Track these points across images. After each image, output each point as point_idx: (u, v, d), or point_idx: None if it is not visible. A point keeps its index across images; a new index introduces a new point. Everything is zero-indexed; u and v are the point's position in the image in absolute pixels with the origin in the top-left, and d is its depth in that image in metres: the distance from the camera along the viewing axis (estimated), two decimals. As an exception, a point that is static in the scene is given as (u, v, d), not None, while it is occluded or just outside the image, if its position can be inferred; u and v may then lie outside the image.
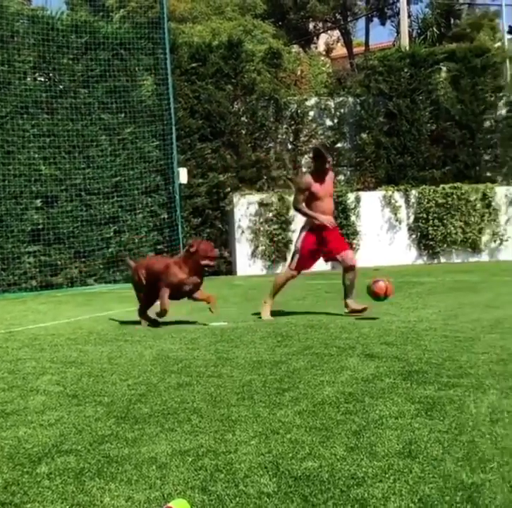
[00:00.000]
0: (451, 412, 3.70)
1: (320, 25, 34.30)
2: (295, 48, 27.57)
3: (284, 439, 3.39)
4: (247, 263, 17.03)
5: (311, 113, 18.51)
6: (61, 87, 15.00)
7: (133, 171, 15.57)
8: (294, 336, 6.49)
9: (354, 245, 17.51)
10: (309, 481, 2.83)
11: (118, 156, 15.44)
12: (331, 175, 8.14)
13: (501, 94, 19.00)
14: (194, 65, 16.97)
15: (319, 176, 8.02)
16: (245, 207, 17.01)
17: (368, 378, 4.59)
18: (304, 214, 8.19)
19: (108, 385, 4.74)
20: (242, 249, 17.04)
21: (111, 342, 6.63)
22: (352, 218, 17.67)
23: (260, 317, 7.96)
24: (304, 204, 8.09)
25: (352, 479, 2.83)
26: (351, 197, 17.64)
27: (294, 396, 4.21)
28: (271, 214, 17.08)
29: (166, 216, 15.96)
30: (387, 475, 2.85)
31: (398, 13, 26.32)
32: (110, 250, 15.19)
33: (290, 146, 18.37)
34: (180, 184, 16.02)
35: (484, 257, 18.02)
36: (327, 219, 8.07)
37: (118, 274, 15.19)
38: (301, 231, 8.32)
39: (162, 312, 7.83)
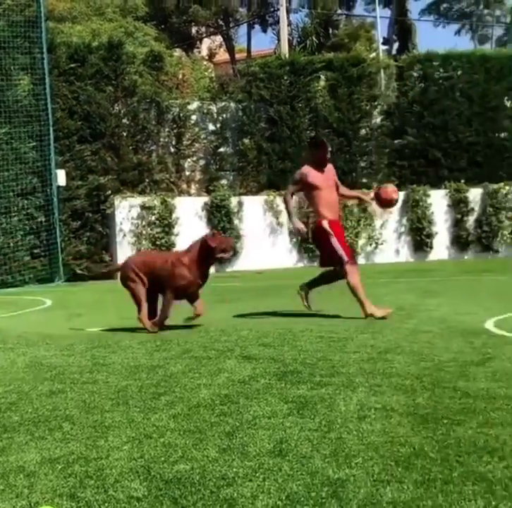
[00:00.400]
0: (322, 410, 3.80)
1: (203, 29, 34.41)
2: (178, 52, 27.51)
3: (157, 443, 3.38)
4: (129, 267, 16.82)
5: (193, 117, 18.53)
6: None
7: (8, 172, 15.06)
8: (173, 340, 6.47)
9: (237, 250, 17.66)
10: (180, 484, 2.84)
11: (-7, 157, 14.91)
12: (329, 167, 7.85)
13: (375, 103, 19.68)
14: (73, 65, 16.61)
15: (318, 166, 7.73)
16: (126, 210, 16.81)
17: (244, 380, 4.65)
18: (286, 206, 8.10)
19: (-23, 394, 4.57)
20: (124, 253, 16.78)
21: (-18, 350, 6.39)
22: (235, 222, 17.81)
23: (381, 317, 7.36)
24: (292, 196, 8.05)
25: (223, 479, 2.86)
26: (234, 201, 17.78)
27: (169, 400, 4.21)
28: (153, 218, 16.96)
29: (43, 219, 15.53)
30: (257, 475, 2.90)
31: (278, 21, 26.77)
32: (-16, 254, 14.63)
33: (172, 149, 18.32)
34: (59, 186, 15.66)
35: (361, 260, 18.58)
36: (301, 228, 7.91)
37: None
38: (320, 223, 7.75)
39: (162, 320, 7.22)
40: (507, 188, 18.85)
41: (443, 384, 4.24)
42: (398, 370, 4.69)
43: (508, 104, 19.99)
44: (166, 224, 17.02)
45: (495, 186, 18.88)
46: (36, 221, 15.46)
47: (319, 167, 7.73)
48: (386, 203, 7.84)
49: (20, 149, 15.27)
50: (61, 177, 15.68)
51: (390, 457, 3.02)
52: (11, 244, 15.00)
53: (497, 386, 4.09)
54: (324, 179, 7.71)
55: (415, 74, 19.89)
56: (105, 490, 2.81)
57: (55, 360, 5.71)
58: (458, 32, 44.03)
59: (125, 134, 17.27)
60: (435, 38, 70.40)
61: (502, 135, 19.78)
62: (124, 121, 17.33)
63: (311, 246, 18.11)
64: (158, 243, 16.92)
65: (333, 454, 3.10)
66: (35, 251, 15.39)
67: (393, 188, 7.83)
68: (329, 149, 7.79)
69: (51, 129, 15.56)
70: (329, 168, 7.84)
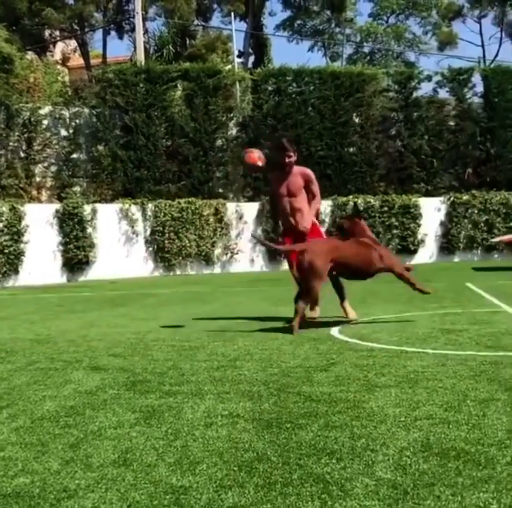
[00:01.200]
0: (169, 419, 3.81)
1: (57, 33, 33.53)
2: (30, 55, 26.65)
3: (-3, 457, 3.26)
4: (-25, 276, 16.10)
5: (45, 122, 18.07)
6: None
7: None
8: (19, 352, 6.26)
9: (90, 258, 17.33)
10: (18, 498, 2.75)
11: None
12: (299, 171, 7.42)
13: (231, 114, 20.00)
14: None
15: (280, 171, 7.40)
16: (-29, 217, 16.08)
17: (92, 390, 4.57)
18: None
19: None
20: (-31, 261, 16.08)
21: None
22: (89, 230, 17.50)
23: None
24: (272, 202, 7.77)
25: (64, 492, 2.80)
26: (87, 209, 17.47)
27: (12, 412, 4.07)
28: (1, 225, 16.34)
29: None
30: (99, 485, 2.86)
31: (134, 29, 26.57)
32: None
33: (22, 154, 17.76)
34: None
35: (217, 269, 18.79)
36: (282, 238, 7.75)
37: None
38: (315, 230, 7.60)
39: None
40: (355, 200, 19.68)
41: (288, 389, 4.36)
42: (247, 377, 4.78)
43: (356, 119, 20.88)
44: (14, 231, 16.46)
45: (344, 199, 19.66)
46: None
47: (281, 172, 7.44)
48: (250, 168, 7.88)
49: None
50: None
51: (233, 462, 3.07)
52: None
53: (338, 391, 4.26)
54: (282, 186, 7.41)
55: (270, 88, 20.41)
56: None
57: None
58: (311, 49, 45.63)
59: (-29, 137, 16.55)
60: (290, 53, 72.49)
61: (351, 149, 20.64)
62: (-30, 123, 16.60)
63: (167, 256, 18.13)
64: (6, 251, 16.31)
65: (178, 462, 3.11)
66: None
67: (258, 155, 7.41)
68: (289, 152, 7.23)
69: None
70: (297, 175, 7.40)
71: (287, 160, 7.29)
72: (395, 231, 19.92)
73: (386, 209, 19.81)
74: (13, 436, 3.60)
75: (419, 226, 20.12)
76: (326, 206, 19.56)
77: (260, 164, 7.38)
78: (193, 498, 2.69)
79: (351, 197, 19.75)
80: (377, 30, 44.18)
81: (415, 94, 21.56)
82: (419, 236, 20.14)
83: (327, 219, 19.57)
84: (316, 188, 7.54)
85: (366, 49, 44.79)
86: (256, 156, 7.37)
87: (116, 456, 3.21)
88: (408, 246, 19.74)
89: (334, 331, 6.78)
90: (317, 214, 7.81)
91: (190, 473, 2.97)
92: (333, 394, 4.17)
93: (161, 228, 18.15)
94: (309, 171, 7.55)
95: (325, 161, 20.20)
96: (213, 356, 5.66)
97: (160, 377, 4.92)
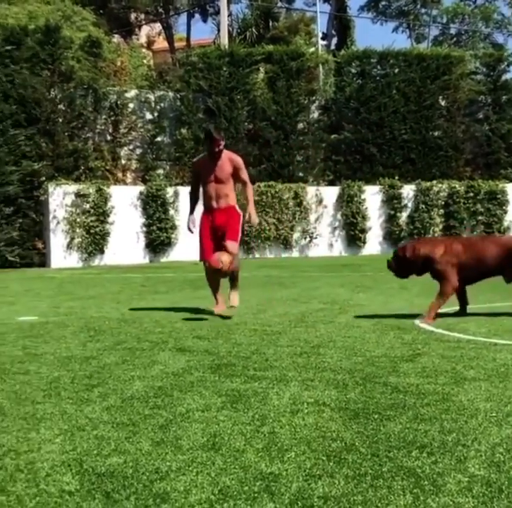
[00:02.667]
0: (255, 404, 3.83)
1: (142, 16, 33.99)
2: (116, 38, 27.12)
3: (90, 435, 3.36)
4: (63, 255, 16.58)
5: (131, 106, 18.36)
6: None
7: None
8: (107, 331, 6.42)
9: (172, 240, 17.60)
10: (112, 477, 2.83)
11: None
12: (228, 157, 7.36)
13: (313, 97, 19.85)
14: (8, 48, 16.24)
15: (210, 158, 7.36)
16: (61, 197, 16.54)
17: (178, 372, 4.65)
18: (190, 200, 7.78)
19: None
20: (58, 240, 16.56)
21: None
22: (171, 212, 17.74)
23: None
24: (194, 188, 7.67)
25: (156, 473, 2.86)
26: (170, 191, 17.70)
27: (103, 391, 4.18)
28: (88, 206, 16.74)
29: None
30: (190, 468, 2.91)
31: (219, 11, 26.66)
32: None
33: (109, 137, 18.11)
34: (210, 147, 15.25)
35: (295, 253, 18.77)
36: (191, 220, 7.64)
37: None
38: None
39: None
40: (439, 185, 19.29)
41: (374, 379, 4.33)
42: (331, 365, 4.77)
43: (442, 103, 20.44)
44: (100, 212, 16.84)
45: (427, 184, 19.32)
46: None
47: (210, 159, 7.38)
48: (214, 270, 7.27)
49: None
50: (-7, 162, 15.33)
51: (322, 451, 3.07)
52: None
53: (426, 382, 4.20)
54: (211, 172, 7.34)
55: (353, 70, 20.17)
56: (36, 483, 2.78)
57: (-16, 350, 5.59)
58: (395, 30, 44.76)
59: (60, 120, 16.99)
60: (373, 35, 71.44)
61: (436, 133, 20.24)
62: (60, 106, 17.04)
63: (246, 239, 18.22)
64: (92, 231, 16.72)
65: (266, 449, 3.13)
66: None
67: (225, 258, 7.15)
68: (219, 141, 7.21)
69: (-17, 112, 15.18)
70: (226, 161, 7.36)
71: (216, 149, 7.27)
72: (480, 218, 19.47)
73: (471, 194, 19.36)
74: (104, 415, 3.69)
75: (505, 212, 19.60)
76: (409, 190, 19.27)
77: (226, 267, 7.16)
78: (283, 486, 2.70)
79: (435, 181, 19.38)
80: (464, 11, 42.99)
81: (504, 77, 20.92)
82: (506, 223, 19.62)
83: (410, 204, 19.28)
84: (245, 175, 7.55)
85: (452, 31, 43.66)
86: (218, 258, 7.17)
87: (204, 440, 3.26)
88: (494, 233, 19.24)
89: (418, 320, 6.68)
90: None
91: (279, 460, 2.99)
92: (421, 386, 4.12)
93: (241, 212, 18.23)
94: (238, 158, 7.52)
95: (409, 145, 19.87)
96: (295, 342, 5.66)
97: (244, 361, 4.96)
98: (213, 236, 7.41)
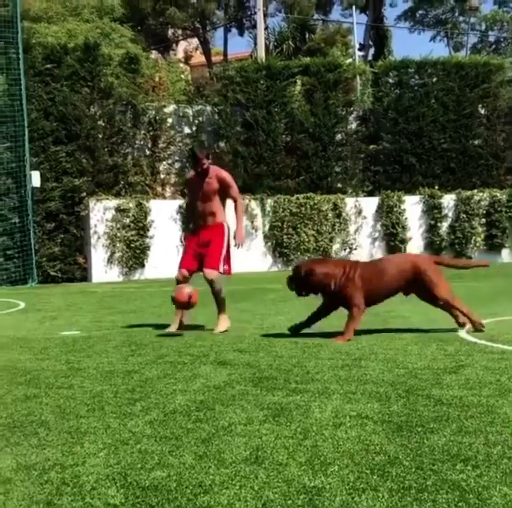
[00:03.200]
0: (297, 417, 3.83)
1: (179, 32, 34.36)
2: (154, 54, 27.45)
3: (134, 449, 3.39)
4: (104, 269, 16.76)
5: (169, 120, 18.54)
6: None
7: (-18, 173, 14.96)
8: (148, 345, 6.47)
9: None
10: (157, 491, 2.85)
11: (-34, 157, 14.80)
12: (215, 174, 7.44)
13: (351, 108, 19.81)
14: (48, 66, 16.55)
15: (197, 176, 7.51)
16: (101, 213, 16.74)
17: (220, 385, 4.66)
18: None
19: (-49, 399, 4.53)
20: (98, 255, 16.75)
21: (-46, 353, 6.34)
22: (210, 225, 17.79)
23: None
24: (188, 203, 7.87)
25: (200, 487, 2.88)
26: (208, 204, 17.77)
27: (145, 405, 4.21)
28: (128, 220, 16.91)
29: (17, 221, 15.45)
30: (233, 482, 2.91)
31: (255, 25, 26.83)
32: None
33: (148, 152, 18.30)
34: (33, 187, 15.58)
35: (336, 264, 18.67)
36: (183, 235, 7.89)
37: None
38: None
39: None
40: (480, 194, 19.07)
41: (417, 391, 4.29)
42: (373, 377, 4.74)
43: (482, 111, 20.24)
44: (140, 226, 16.99)
45: (468, 193, 19.12)
46: (10, 223, 15.37)
47: (197, 177, 7.50)
48: (179, 304, 7.31)
49: (-6, 150, 15.18)
50: (35, 178, 15.60)
51: (365, 465, 3.05)
52: (-16, 245, 14.90)
53: (470, 394, 4.15)
54: (196, 189, 7.47)
55: (391, 80, 20.08)
56: (82, 497, 2.81)
57: (29, 364, 5.68)
58: (433, 39, 44.49)
59: (100, 136, 17.21)
60: (411, 44, 71.08)
61: (476, 142, 20.03)
62: (100, 122, 17.27)
63: (286, 251, 18.23)
64: (132, 245, 16.89)
65: (309, 462, 3.13)
66: (8, 252, 15.29)
67: (188, 291, 7.22)
68: (202, 160, 7.34)
69: (26, 130, 15.48)
70: (212, 178, 7.44)
71: (199, 169, 7.41)
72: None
73: (513, 203, 19.11)
74: (147, 429, 3.72)
75: (548, 220, 19.30)
76: (449, 200, 19.10)
77: (192, 301, 7.20)
78: (327, 499, 2.69)
79: (476, 190, 19.18)
80: (503, 18, 42.54)
81: (545, 84, 20.65)
82: (549, 231, 19.32)
83: (451, 214, 19.10)
84: (234, 191, 7.58)
85: (491, 38, 43.23)
86: (186, 292, 7.19)
87: (247, 453, 3.26)
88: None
89: (461, 331, 6.60)
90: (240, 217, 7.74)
91: (322, 473, 2.98)
92: (465, 398, 4.07)
93: (280, 224, 18.25)
94: (224, 175, 7.56)
95: (448, 154, 19.69)
96: (337, 354, 5.64)
97: (286, 374, 4.95)
98: (195, 253, 7.56)
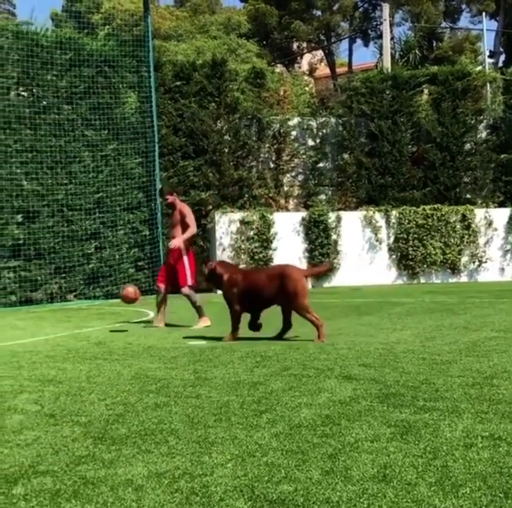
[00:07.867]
0: (426, 436, 3.73)
1: (304, 45, 34.60)
2: (279, 67, 27.77)
3: (260, 462, 3.40)
4: (228, 281, 17.05)
5: (293, 133, 18.68)
6: (44, 103, 15.04)
7: (115, 187, 15.60)
8: (273, 357, 6.50)
9: (335, 265, 17.59)
10: (284, 505, 2.85)
11: (101, 172, 15.48)
12: (179, 208, 9.41)
13: (481, 117, 19.25)
14: (178, 83, 17.09)
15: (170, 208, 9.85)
16: (226, 225, 17.08)
17: (345, 400, 4.61)
18: None
19: (86, 405, 4.73)
20: (223, 267, 17.07)
21: (89, 360, 6.62)
22: (334, 237, 17.78)
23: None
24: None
25: (327, 503, 2.85)
26: (332, 216, 17.76)
27: (271, 418, 4.23)
28: (252, 233, 17.15)
29: (147, 233, 16.00)
30: (361, 500, 2.87)
31: (381, 35, 26.60)
32: (90, 266, 15.18)
33: (272, 165, 18.51)
34: (162, 201, 16.09)
35: (464, 278, 18.18)
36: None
37: (98, 290, 15.16)
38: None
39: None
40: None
41: (554, 413, 4.08)
42: (506, 397, 4.55)
43: None
44: (264, 238, 17.19)
45: None
46: (140, 235, 15.93)
47: (170, 209, 9.89)
48: (129, 300, 9.77)
49: (127, 165, 15.80)
50: (164, 192, 16.11)
51: (499, 488, 2.93)
52: (117, 256, 15.51)
53: None
54: (170, 217, 9.92)
55: (524, 87, 19.37)
56: (211, 507, 2.85)
57: (159, 372, 5.85)
58: None
59: (226, 150, 17.58)
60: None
61: None
62: (226, 137, 17.64)
63: (411, 263, 17.89)
64: (256, 257, 17.09)
65: (439, 483, 3.04)
66: (139, 263, 15.84)
67: (133, 290, 9.75)
68: (166, 196, 9.62)
69: (156, 145, 16.02)
70: (177, 210, 9.47)
71: (164, 203, 10.27)
72: None
73: None
74: (273, 441, 3.73)
75: None
76: None
77: (138, 296, 9.77)
78: (459, 524, 2.60)
79: None
80: None
81: None
82: None
83: None
84: (189, 220, 9.41)
85: None
86: (131, 290, 9.73)
87: (375, 471, 3.21)
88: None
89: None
90: (189, 242, 9.64)
91: (453, 495, 2.88)
92: None
93: (405, 236, 17.95)
94: (184, 209, 9.50)
95: None
96: (467, 372, 5.46)
97: (413, 391, 4.84)
98: (168, 269, 9.62)
